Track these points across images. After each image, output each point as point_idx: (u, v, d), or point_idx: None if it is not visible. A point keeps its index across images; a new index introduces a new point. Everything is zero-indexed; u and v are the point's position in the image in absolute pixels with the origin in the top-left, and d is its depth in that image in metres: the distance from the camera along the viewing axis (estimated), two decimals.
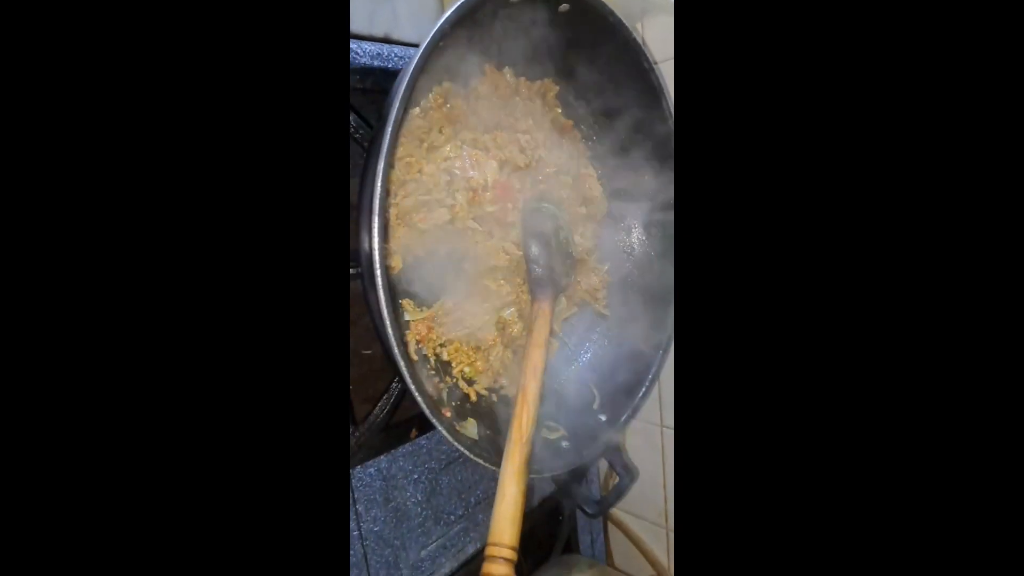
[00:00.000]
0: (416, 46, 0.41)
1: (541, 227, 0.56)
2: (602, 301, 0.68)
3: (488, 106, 0.54)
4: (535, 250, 0.55)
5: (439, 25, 0.41)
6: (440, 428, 0.42)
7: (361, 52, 0.52)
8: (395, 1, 0.75)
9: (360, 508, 0.53)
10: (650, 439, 0.78)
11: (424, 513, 0.59)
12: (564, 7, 0.50)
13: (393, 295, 0.44)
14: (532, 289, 0.55)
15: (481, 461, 0.46)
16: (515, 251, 0.55)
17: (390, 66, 0.54)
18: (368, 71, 0.52)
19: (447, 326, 0.54)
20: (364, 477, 0.53)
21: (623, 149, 0.64)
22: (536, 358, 0.49)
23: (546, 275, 0.54)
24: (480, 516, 0.65)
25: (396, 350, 0.39)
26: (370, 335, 0.46)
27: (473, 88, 0.54)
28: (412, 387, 0.40)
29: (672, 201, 0.62)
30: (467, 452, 0.44)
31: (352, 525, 0.52)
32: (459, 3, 0.42)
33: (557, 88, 0.61)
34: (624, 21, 0.53)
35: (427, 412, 0.42)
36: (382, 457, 0.55)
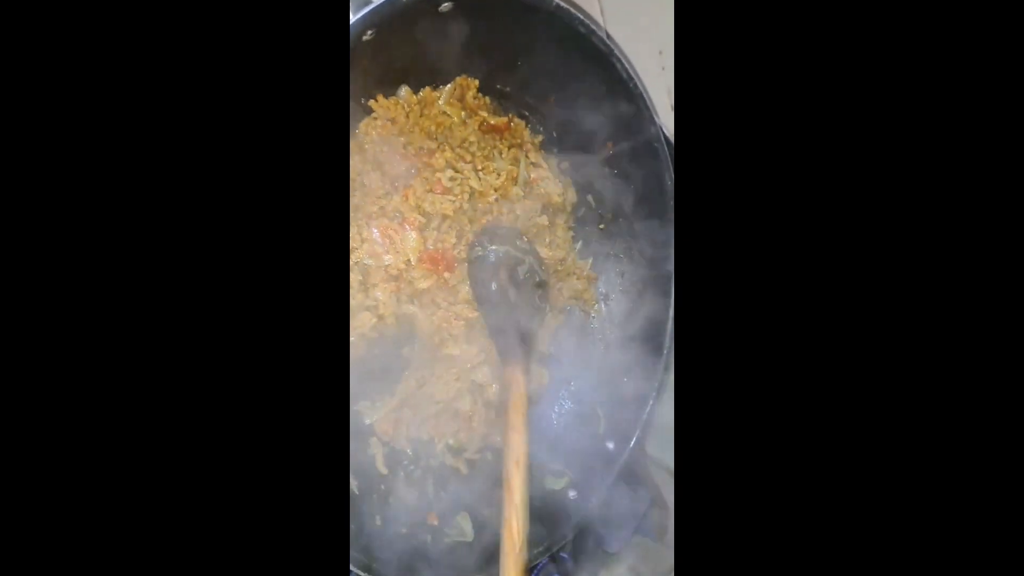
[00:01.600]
0: None
1: (492, 278, 0.47)
2: (591, 302, 0.60)
3: (389, 151, 0.43)
4: (490, 311, 0.47)
5: None
6: None
7: None
8: None
9: None
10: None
11: None
12: (446, 6, 0.36)
13: None
14: (499, 353, 0.48)
15: None
16: (469, 313, 0.47)
17: None
18: None
19: (418, 405, 0.49)
20: None
21: (576, 122, 0.51)
22: (516, 444, 0.44)
23: (510, 335, 0.47)
24: None
25: None
26: None
27: (363, 132, 0.42)
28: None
29: (644, 166, 0.51)
30: None
31: None
32: None
33: (476, 82, 0.47)
34: None
35: None
36: None
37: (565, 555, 0.74)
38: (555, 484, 0.54)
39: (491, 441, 0.53)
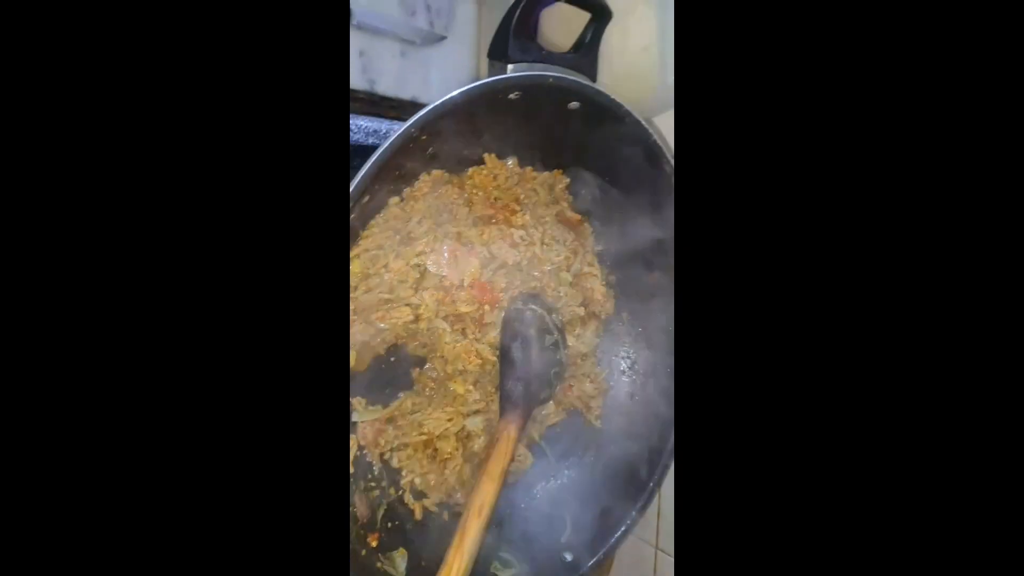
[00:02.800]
0: None
1: (524, 332, 0.50)
2: (595, 411, 0.61)
3: (483, 197, 0.50)
4: (511, 360, 0.49)
5: (416, 118, 0.38)
6: None
7: (356, 129, 0.50)
8: (429, 66, 0.74)
9: None
10: (641, 563, 0.68)
11: None
12: (574, 105, 0.46)
13: None
14: (502, 404, 0.49)
15: None
16: (490, 356, 0.50)
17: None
18: (359, 149, 0.49)
19: (404, 428, 0.49)
20: None
21: (636, 252, 0.58)
22: (486, 492, 0.42)
23: (520, 391, 0.48)
24: None
25: None
26: None
27: (468, 177, 0.50)
28: None
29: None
30: None
31: None
32: (443, 100, 0.38)
33: (567, 180, 0.56)
34: (641, 122, 0.48)
35: None
36: None
37: None
38: (502, 572, 0.49)
39: (454, 500, 0.51)
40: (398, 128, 0.37)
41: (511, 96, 0.42)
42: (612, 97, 0.45)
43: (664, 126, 0.65)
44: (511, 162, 0.53)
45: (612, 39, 0.59)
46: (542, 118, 0.47)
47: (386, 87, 0.71)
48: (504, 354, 0.49)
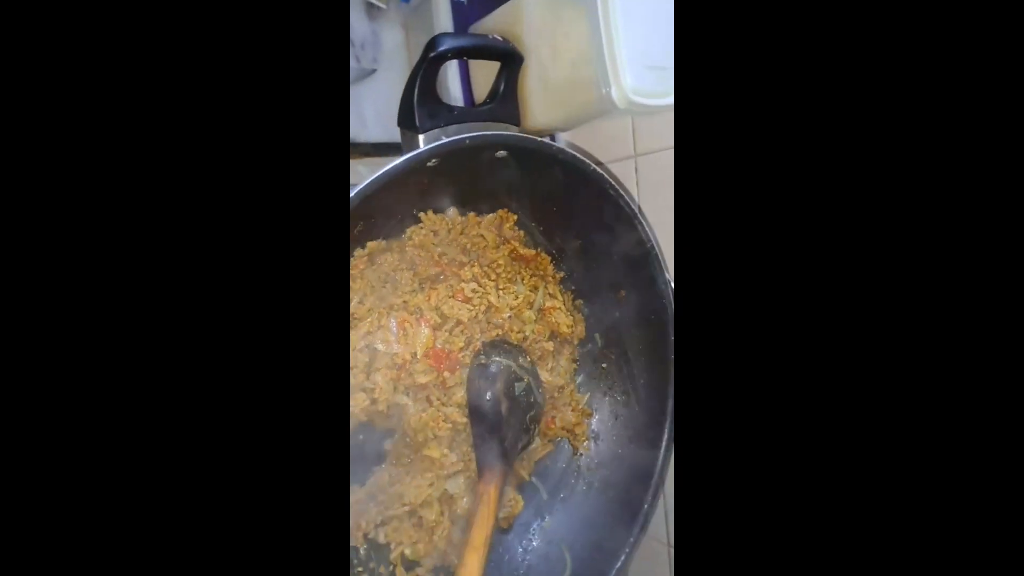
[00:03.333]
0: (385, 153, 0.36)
1: (490, 388, 0.49)
2: (581, 437, 0.60)
3: (426, 257, 0.48)
4: (482, 418, 0.48)
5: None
6: None
7: None
8: (362, 103, 0.71)
9: None
10: (656, 561, 0.68)
11: None
12: (502, 153, 0.44)
13: None
14: (478, 467, 0.48)
15: None
16: (459, 418, 0.49)
17: None
18: None
19: (384, 503, 0.48)
20: None
21: (600, 275, 0.56)
22: (471, 566, 0.42)
23: (495, 450, 0.47)
24: None
25: None
26: None
27: (408, 236, 0.48)
28: None
29: (651, 318, 0.54)
30: None
31: None
32: (359, 189, 0.36)
33: (515, 217, 0.54)
34: (577, 155, 0.46)
35: None
36: None
37: None
38: None
39: (448, 561, 0.51)
40: None
41: (430, 164, 0.39)
42: (537, 139, 0.43)
43: (609, 132, 0.63)
44: (451, 212, 0.51)
45: (543, 57, 0.56)
46: (471, 170, 0.45)
47: None
48: (473, 415, 0.48)
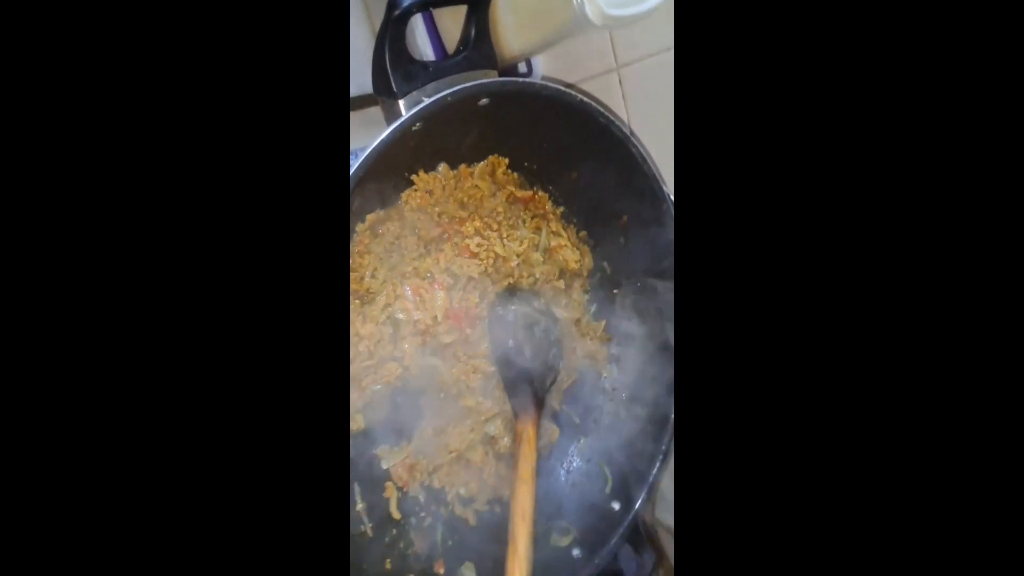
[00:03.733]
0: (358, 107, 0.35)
1: (509, 337, 0.50)
2: (603, 362, 0.63)
3: (425, 219, 0.48)
4: (508, 365, 0.50)
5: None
6: None
7: None
8: None
9: None
10: None
11: None
12: (484, 101, 0.42)
13: None
14: (513, 409, 0.50)
15: None
16: (487, 367, 0.51)
17: None
18: None
19: (432, 454, 0.52)
20: None
21: (599, 204, 0.56)
22: (523, 497, 0.46)
23: (525, 391, 0.50)
24: None
25: None
26: None
27: (405, 201, 0.47)
28: None
29: (655, 235, 0.55)
30: None
31: None
32: (358, 164, 0.35)
33: (507, 160, 0.52)
34: (560, 88, 0.44)
35: None
36: None
37: None
38: (560, 541, 0.55)
39: (500, 494, 0.55)
40: None
41: (415, 128, 0.38)
42: (519, 81, 0.41)
43: (587, 48, 0.60)
44: (441, 168, 0.50)
45: None
46: (458, 123, 0.43)
47: None
48: (500, 364, 0.50)
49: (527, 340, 0.51)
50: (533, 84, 0.42)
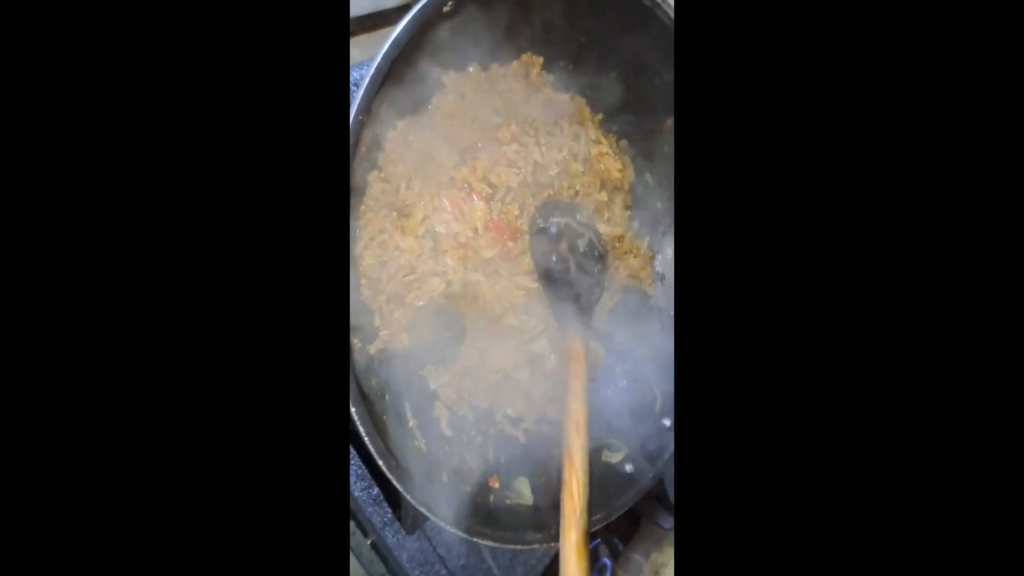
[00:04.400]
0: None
1: (552, 251, 0.48)
2: (647, 281, 0.60)
3: (459, 125, 0.45)
4: (552, 281, 0.48)
5: (364, 87, 0.32)
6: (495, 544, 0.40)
7: None
8: None
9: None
10: None
11: None
12: None
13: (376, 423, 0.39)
14: (559, 326, 0.49)
15: (538, 546, 0.44)
16: (530, 283, 0.49)
17: None
18: None
19: (478, 374, 0.51)
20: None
21: (642, 104, 0.52)
22: (577, 411, 0.44)
23: (571, 307, 0.48)
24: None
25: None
26: None
27: (435, 107, 0.44)
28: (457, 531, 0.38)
29: None
30: (527, 547, 0.43)
31: None
32: (386, 46, 0.32)
33: (540, 59, 0.48)
34: None
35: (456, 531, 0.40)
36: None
37: (618, 541, 0.74)
38: (612, 458, 0.54)
39: (548, 414, 0.54)
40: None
41: (445, 9, 0.34)
42: None
43: None
44: (471, 69, 0.46)
45: None
46: (489, 14, 0.39)
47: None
48: (544, 279, 0.48)
49: (571, 254, 0.48)
50: None
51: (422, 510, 0.38)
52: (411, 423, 0.45)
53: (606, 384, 0.60)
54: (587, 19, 0.46)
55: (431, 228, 0.43)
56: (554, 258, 0.48)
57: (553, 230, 0.48)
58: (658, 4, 0.43)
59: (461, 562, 0.55)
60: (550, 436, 0.54)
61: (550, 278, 0.48)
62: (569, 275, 0.48)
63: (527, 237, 0.48)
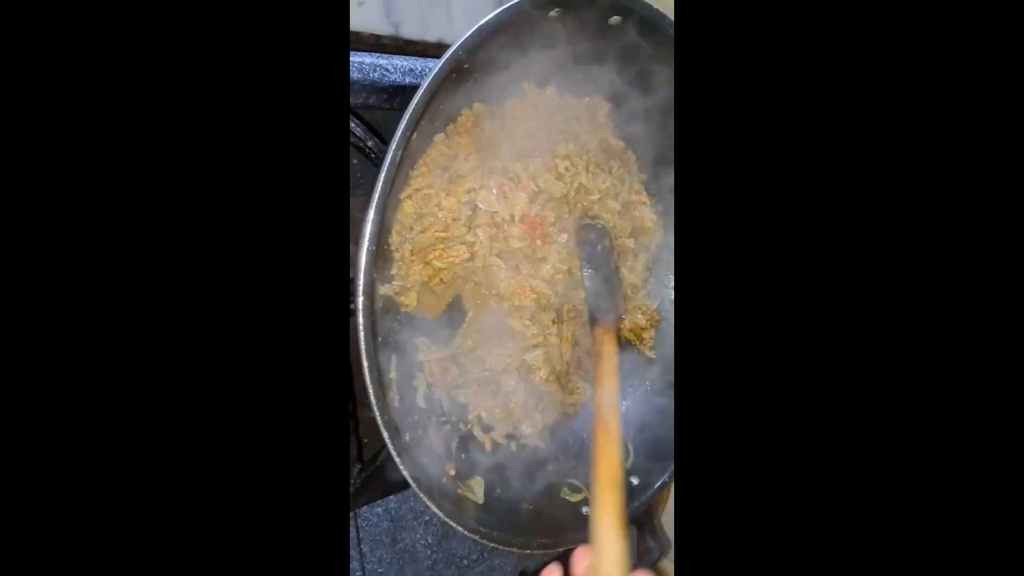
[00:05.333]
0: None
1: (598, 241, 0.50)
2: (648, 343, 0.61)
3: (524, 129, 0.49)
4: (593, 270, 0.49)
5: (460, 42, 0.36)
6: (432, 506, 0.38)
7: (392, 69, 0.49)
8: (450, 3, 0.72)
9: (365, 548, 0.51)
10: None
11: (434, 556, 0.56)
12: (615, 20, 0.44)
13: (375, 334, 0.39)
14: (593, 312, 0.49)
15: (477, 539, 0.41)
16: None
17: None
18: (398, 89, 0.48)
19: (466, 366, 0.50)
20: (371, 517, 0.51)
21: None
22: (612, 389, 0.43)
23: (606, 296, 0.49)
24: (497, 560, 0.61)
25: (376, 409, 0.35)
26: None
27: (509, 108, 0.49)
28: (396, 457, 0.36)
29: None
30: (463, 530, 0.40)
31: (355, 566, 0.50)
32: (486, 20, 0.37)
33: (608, 106, 0.54)
34: None
35: (416, 490, 0.38)
36: (391, 497, 0.52)
37: None
38: (571, 497, 0.51)
39: (519, 431, 0.53)
40: (435, 64, 0.36)
41: (551, 14, 0.40)
42: (657, 8, 0.43)
43: None
44: (550, 91, 0.51)
45: None
46: (582, 40, 0.45)
47: (410, 30, 0.69)
48: (587, 263, 0.50)
49: (610, 257, 0.50)
50: (666, 17, 0.44)
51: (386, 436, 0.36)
52: (392, 374, 0.44)
53: (583, 427, 0.58)
54: (657, 85, 0.52)
55: (473, 200, 0.45)
56: (599, 248, 0.50)
57: (600, 225, 0.50)
58: None
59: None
60: (515, 455, 0.52)
61: (593, 263, 0.50)
62: (611, 265, 0.50)
63: (553, 246, 0.50)
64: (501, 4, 0.55)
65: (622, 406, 0.60)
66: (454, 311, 0.50)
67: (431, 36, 0.70)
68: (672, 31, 0.44)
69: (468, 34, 0.36)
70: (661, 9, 0.44)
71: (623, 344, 0.61)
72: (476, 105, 0.46)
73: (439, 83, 0.36)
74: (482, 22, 0.36)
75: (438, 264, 0.45)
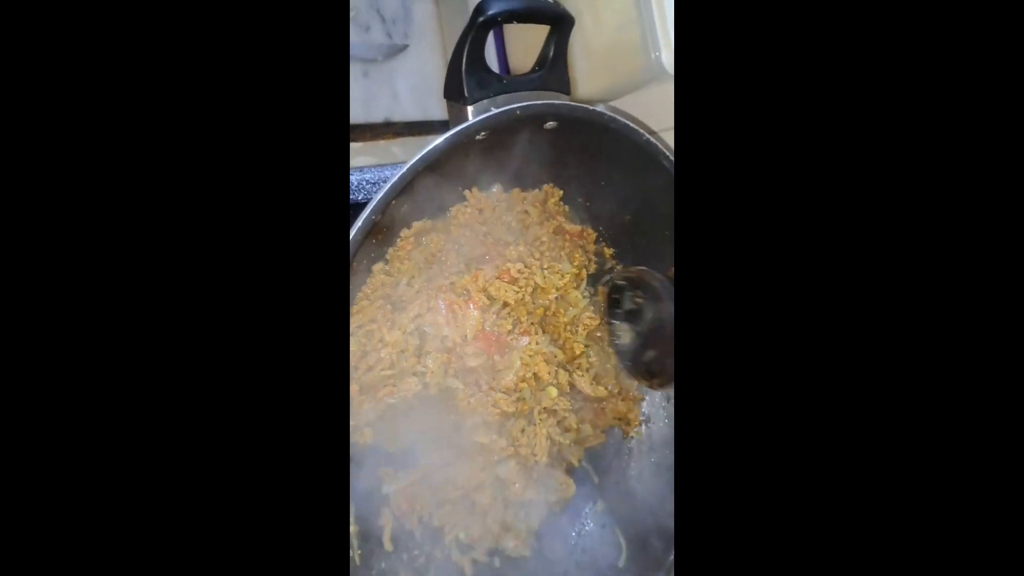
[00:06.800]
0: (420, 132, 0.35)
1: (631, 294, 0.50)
2: (634, 423, 0.58)
3: (471, 236, 0.46)
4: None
5: (387, 188, 0.34)
6: None
7: None
8: (395, 79, 0.70)
9: None
10: None
11: None
12: (551, 124, 0.41)
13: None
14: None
15: None
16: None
17: (360, 198, 0.47)
18: None
19: (437, 488, 0.48)
20: None
21: (649, 252, 0.54)
22: None
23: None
24: None
25: None
26: None
27: (453, 216, 0.46)
28: None
29: None
30: None
31: None
32: (417, 158, 0.34)
33: (560, 192, 0.51)
34: (629, 124, 0.43)
35: None
36: None
37: None
38: None
39: (502, 545, 0.50)
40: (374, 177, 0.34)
41: (479, 137, 0.37)
42: (589, 108, 0.40)
43: (657, 99, 0.60)
44: (495, 188, 0.49)
45: (584, 24, 0.53)
46: (520, 144, 0.43)
47: (355, 115, 0.66)
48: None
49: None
50: (603, 115, 0.41)
51: None
52: (353, 528, 0.41)
53: (570, 524, 0.55)
54: (611, 168, 0.49)
55: (421, 327, 0.43)
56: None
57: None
58: (667, 156, 0.47)
59: None
60: (500, 572, 0.49)
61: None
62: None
63: (513, 353, 0.48)
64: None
65: (614, 491, 0.58)
66: (419, 430, 0.48)
67: (378, 116, 0.69)
68: (606, 120, 0.42)
69: (386, 189, 0.34)
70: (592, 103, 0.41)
71: (608, 431, 0.58)
72: (415, 224, 0.44)
73: (362, 237, 0.34)
74: (401, 172, 0.34)
75: (390, 400, 0.42)
